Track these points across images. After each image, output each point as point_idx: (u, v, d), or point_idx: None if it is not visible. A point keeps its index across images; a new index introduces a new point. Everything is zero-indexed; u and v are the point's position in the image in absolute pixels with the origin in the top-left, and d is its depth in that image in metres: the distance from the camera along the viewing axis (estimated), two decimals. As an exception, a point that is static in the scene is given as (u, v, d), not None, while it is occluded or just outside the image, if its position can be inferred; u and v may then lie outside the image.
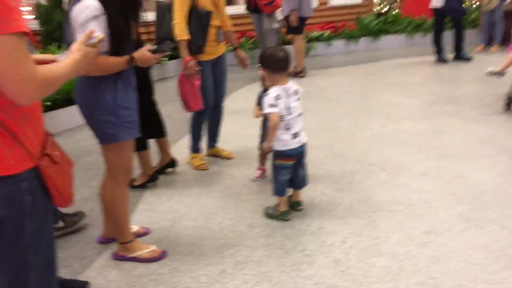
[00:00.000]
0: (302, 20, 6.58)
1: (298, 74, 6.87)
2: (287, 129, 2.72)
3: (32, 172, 1.36)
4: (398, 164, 3.60)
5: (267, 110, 2.66)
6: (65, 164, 1.50)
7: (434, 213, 2.85)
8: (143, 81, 3.10)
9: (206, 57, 3.44)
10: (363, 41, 8.92)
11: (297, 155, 2.80)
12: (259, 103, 3.23)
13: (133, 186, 3.21)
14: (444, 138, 4.11)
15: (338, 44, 8.77)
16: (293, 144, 2.74)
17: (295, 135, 2.75)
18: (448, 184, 3.23)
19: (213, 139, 3.91)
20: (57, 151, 1.46)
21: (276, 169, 2.81)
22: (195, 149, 3.77)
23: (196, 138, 3.73)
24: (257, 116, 3.24)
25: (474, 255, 2.42)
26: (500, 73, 4.76)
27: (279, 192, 2.85)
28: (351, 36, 8.85)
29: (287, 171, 2.81)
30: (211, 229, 2.81)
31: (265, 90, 3.19)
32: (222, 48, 3.60)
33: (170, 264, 2.47)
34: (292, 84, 2.75)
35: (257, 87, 3.23)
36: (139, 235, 2.71)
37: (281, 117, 2.67)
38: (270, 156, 3.41)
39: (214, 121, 3.81)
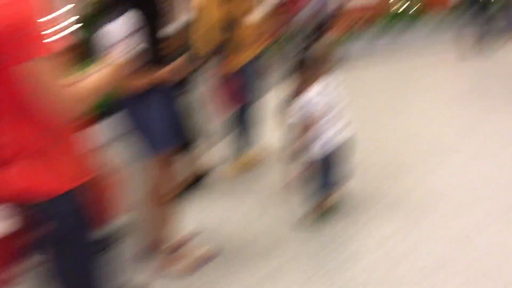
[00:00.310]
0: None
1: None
2: (329, 126, 2.73)
3: (78, 190, 1.39)
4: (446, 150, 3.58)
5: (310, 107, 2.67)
6: (113, 178, 1.54)
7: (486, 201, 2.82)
8: (179, 89, 3.14)
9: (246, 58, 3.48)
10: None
11: (338, 151, 2.81)
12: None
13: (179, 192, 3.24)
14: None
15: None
16: (335, 141, 2.76)
17: (337, 133, 2.77)
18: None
19: (251, 141, 3.86)
20: (100, 169, 1.49)
21: (322, 168, 2.81)
22: (237, 151, 3.78)
23: (238, 139, 3.73)
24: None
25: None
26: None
27: (324, 192, 2.85)
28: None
29: (332, 171, 2.82)
30: (254, 233, 2.83)
31: (297, 93, 3.22)
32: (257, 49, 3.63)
33: (216, 267, 2.50)
34: (333, 78, 2.77)
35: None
36: (187, 239, 2.74)
37: (321, 115, 2.69)
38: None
39: (252, 121, 3.80)
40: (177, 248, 2.55)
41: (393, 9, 10.21)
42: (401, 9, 10.24)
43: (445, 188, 3.10)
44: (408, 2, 10.73)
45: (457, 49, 7.36)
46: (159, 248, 2.61)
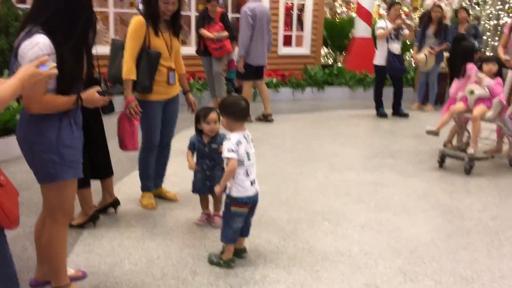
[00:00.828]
0: (250, 67, 6.75)
1: (267, 117, 7.02)
2: (247, 175, 2.74)
3: None
4: (340, 214, 3.69)
5: (227, 154, 2.67)
6: (10, 187, 1.50)
7: (374, 266, 2.93)
8: (92, 118, 3.03)
9: (156, 97, 3.47)
10: (309, 90, 9.24)
11: (252, 203, 2.82)
12: (192, 148, 3.30)
13: (70, 226, 3.07)
14: (383, 190, 4.28)
15: (285, 91, 9.03)
16: (251, 191, 2.76)
17: (252, 182, 2.77)
18: (387, 236, 3.34)
19: (158, 179, 3.86)
20: (1, 176, 1.45)
21: (231, 216, 2.78)
22: (144, 187, 3.74)
23: (144, 176, 3.70)
24: (192, 168, 3.31)
25: (411, 309, 2.49)
26: (436, 133, 5.07)
27: (231, 240, 2.81)
28: (298, 85, 9.15)
29: (241, 219, 2.80)
30: (152, 275, 2.72)
31: (200, 133, 3.25)
32: (175, 90, 3.62)
33: (107, 312, 2.36)
34: (248, 132, 2.80)
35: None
36: (75, 278, 2.57)
37: (241, 163, 2.70)
38: (211, 200, 3.42)
39: (160, 160, 3.78)
40: (65, 284, 2.38)
41: (323, 61, 10.73)
42: (329, 62, 10.79)
43: (345, 245, 3.19)
44: (335, 59, 11.34)
45: (374, 108, 7.82)
46: (47, 282, 2.43)
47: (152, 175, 3.72)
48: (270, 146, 5.66)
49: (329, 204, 3.90)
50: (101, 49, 3.01)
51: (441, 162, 5.03)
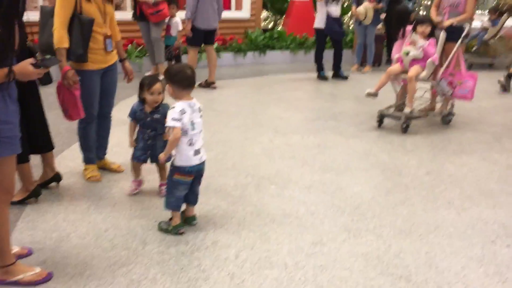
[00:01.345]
0: (198, 31, 6.60)
1: (210, 85, 6.92)
2: (190, 144, 2.72)
3: None
4: (286, 177, 3.78)
5: (170, 123, 2.64)
6: None
7: (320, 224, 3.05)
8: (28, 90, 2.89)
9: (93, 66, 3.34)
10: (250, 55, 9.21)
11: (197, 172, 2.82)
12: (133, 116, 3.24)
13: (12, 203, 2.95)
14: (326, 152, 4.42)
15: (227, 56, 8.95)
16: (195, 161, 2.76)
17: (197, 152, 2.76)
18: (331, 196, 3.48)
19: (101, 151, 3.77)
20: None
21: (174, 184, 2.79)
22: (86, 160, 3.63)
23: (86, 148, 3.59)
24: (132, 146, 3.31)
25: (355, 264, 2.63)
26: (375, 94, 5.25)
27: (174, 207, 2.83)
28: (238, 49, 9.09)
29: (185, 187, 2.80)
30: (101, 247, 2.70)
31: (143, 101, 3.19)
32: (113, 57, 3.50)
33: (56, 287, 2.33)
34: (196, 101, 2.77)
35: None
36: (20, 256, 2.50)
37: (185, 132, 2.68)
38: (144, 168, 3.40)
39: (102, 131, 3.68)
40: (10, 263, 2.31)
41: (263, 25, 10.67)
42: (269, 26, 10.75)
43: (292, 207, 3.29)
44: (275, 22, 11.30)
45: (315, 71, 7.95)
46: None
47: (93, 146, 3.62)
48: (214, 112, 5.65)
49: (275, 168, 3.98)
50: (33, 16, 2.84)
51: (380, 122, 5.23)
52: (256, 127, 5.14)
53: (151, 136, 3.26)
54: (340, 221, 3.11)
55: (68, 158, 3.99)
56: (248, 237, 2.86)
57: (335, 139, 4.81)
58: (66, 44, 3.15)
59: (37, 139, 3.17)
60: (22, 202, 3.13)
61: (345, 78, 7.96)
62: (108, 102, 3.61)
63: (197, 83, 6.78)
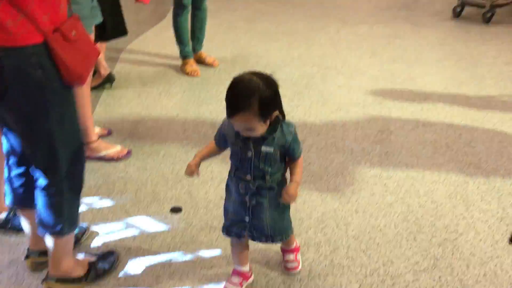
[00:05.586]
0: None
1: None
2: None
3: (41, 47, 1.31)
4: (353, 68, 3.69)
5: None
6: (83, 44, 1.42)
7: (387, 113, 3.01)
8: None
9: None
10: None
11: None
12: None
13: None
14: (397, 42, 4.21)
15: None
16: None
17: None
18: (400, 86, 3.38)
19: (197, 43, 3.69)
20: (74, 31, 1.37)
21: None
22: (183, 54, 3.60)
23: (180, 41, 3.54)
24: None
25: (423, 150, 2.61)
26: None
27: None
28: None
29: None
30: (174, 130, 2.84)
31: None
32: None
33: (136, 164, 2.51)
34: None
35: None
36: (101, 136, 2.69)
37: None
38: None
39: (196, 23, 3.60)
40: (94, 140, 2.50)
41: None
42: None
43: (358, 96, 3.24)
44: None
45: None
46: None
47: (186, 39, 3.55)
48: (279, 2, 5.45)
49: (341, 59, 3.88)
50: None
51: (460, 11, 4.85)
52: (323, 17, 4.94)
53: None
54: (409, 110, 3.04)
55: (148, 39, 4.07)
56: (314, 124, 2.89)
57: (407, 28, 4.55)
58: None
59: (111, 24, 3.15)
60: (99, 88, 3.29)
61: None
62: None
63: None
